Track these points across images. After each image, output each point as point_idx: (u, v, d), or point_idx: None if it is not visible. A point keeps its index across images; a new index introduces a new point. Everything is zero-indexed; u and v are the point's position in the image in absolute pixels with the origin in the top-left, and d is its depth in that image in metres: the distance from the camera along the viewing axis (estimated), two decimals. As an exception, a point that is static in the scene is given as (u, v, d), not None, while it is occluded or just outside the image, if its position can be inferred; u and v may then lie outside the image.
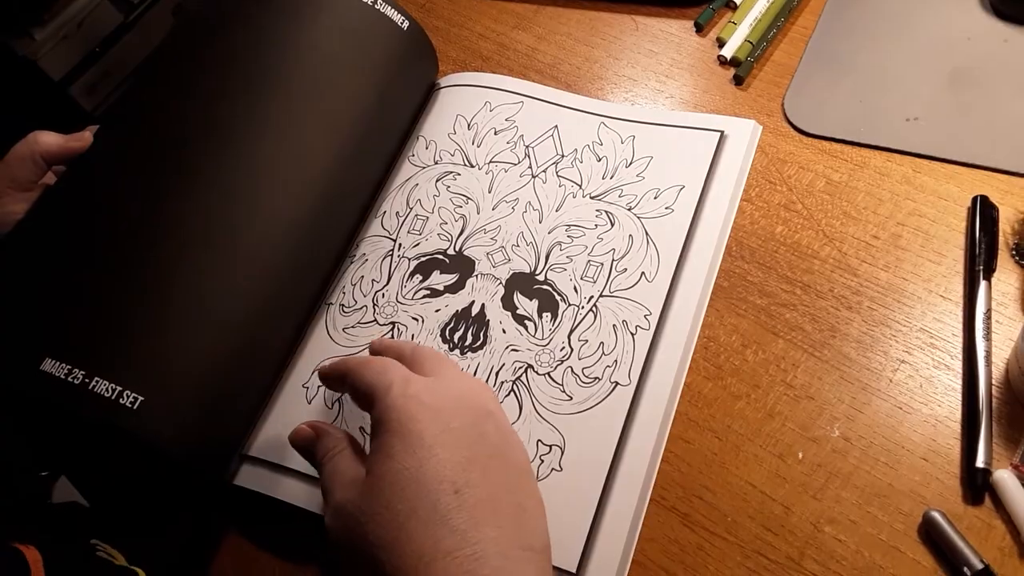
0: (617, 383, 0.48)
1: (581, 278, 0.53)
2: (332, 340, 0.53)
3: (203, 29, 0.57)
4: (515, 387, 0.49)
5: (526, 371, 0.50)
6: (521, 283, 0.53)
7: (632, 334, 0.50)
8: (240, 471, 0.49)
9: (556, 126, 0.60)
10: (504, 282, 0.53)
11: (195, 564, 0.49)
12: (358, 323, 0.54)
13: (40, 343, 0.44)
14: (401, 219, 0.58)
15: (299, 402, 0.51)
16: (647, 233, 0.53)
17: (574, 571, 0.43)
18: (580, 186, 0.57)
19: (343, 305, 0.55)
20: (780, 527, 0.44)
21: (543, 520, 0.39)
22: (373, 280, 0.55)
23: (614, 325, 0.50)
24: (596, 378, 0.49)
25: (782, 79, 0.60)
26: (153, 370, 0.44)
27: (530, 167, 0.58)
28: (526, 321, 0.52)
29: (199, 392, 0.45)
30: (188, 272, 0.47)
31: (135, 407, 0.42)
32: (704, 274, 0.51)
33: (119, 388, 0.42)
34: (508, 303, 0.52)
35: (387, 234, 0.57)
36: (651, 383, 0.48)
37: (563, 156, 0.58)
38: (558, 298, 0.52)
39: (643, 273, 0.52)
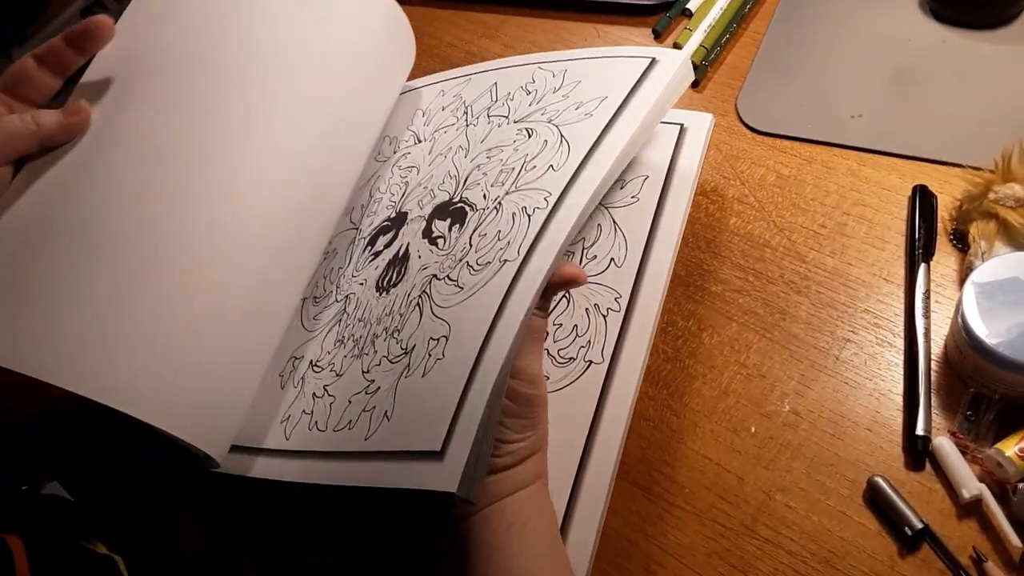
0: (591, 362, 0.50)
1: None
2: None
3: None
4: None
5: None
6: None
7: (604, 316, 0.52)
8: (227, 459, 0.51)
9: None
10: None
11: (171, 550, 0.51)
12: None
13: None
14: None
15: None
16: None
17: None
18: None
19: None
20: (735, 496, 0.47)
21: None
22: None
23: (586, 308, 0.53)
24: (571, 358, 0.51)
25: (735, 81, 0.64)
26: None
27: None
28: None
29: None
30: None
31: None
32: (669, 258, 0.52)
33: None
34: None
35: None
36: (623, 361, 0.50)
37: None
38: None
39: (612, 259, 0.54)
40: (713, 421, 0.49)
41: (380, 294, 0.53)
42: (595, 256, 0.54)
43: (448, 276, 0.50)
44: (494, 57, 0.70)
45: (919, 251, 0.52)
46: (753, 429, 0.48)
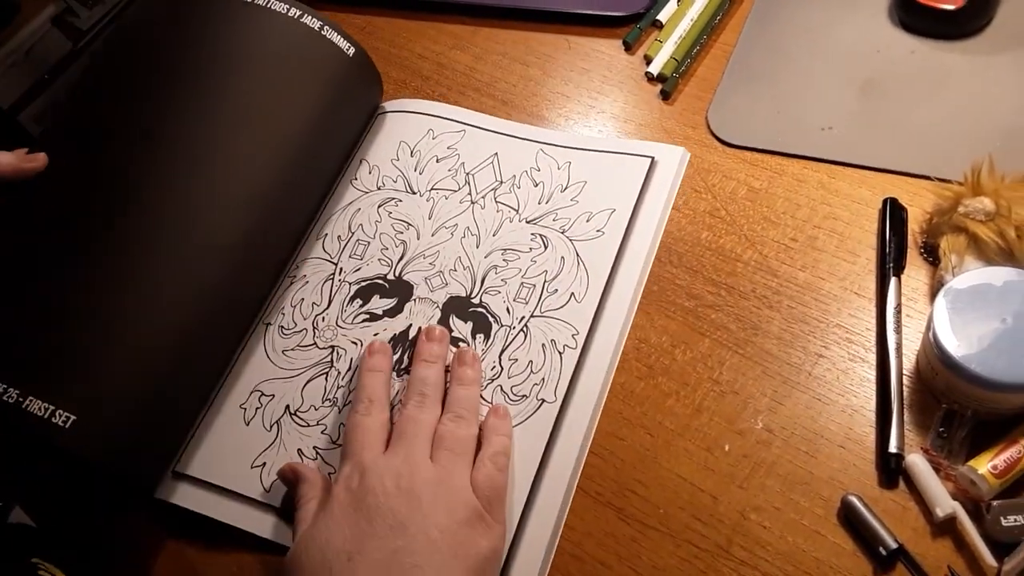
0: (544, 400, 0.50)
1: (514, 300, 0.54)
2: (271, 361, 0.54)
3: (141, 46, 0.57)
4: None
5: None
6: (457, 306, 0.55)
7: (560, 352, 0.52)
8: (178, 490, 0.50)
9: (496, 153, 0.62)
10: (441, 306, 0.55)
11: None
12: (297, 346, 0.55)
13: None
14: (343, 243, 0.59)
15: (237, 423, 0.52)
16: (578, 255, 0.55)
17: None
18: (517, 211, 0.58)
19: (282, 327, 0.56)
20: (709, 516, 0.46)
21: (443, 573, 0.40)
22: (313, 303, 0.56)
23: (543, 344, 0.52)
24: (524, 395, 0.51)
25: (705, 93, 0.63)
26: (86, 389, 0.45)
27: (470, 194, 0.60)
28: (460, 343, 0.53)
29: (132, 409, 0.46)
30: (122, 291, 0.48)
31: (67, 425, 0.43)
32: (631, 293, 0.53)
33: (52, 407, 0.43)
34: (444, 326, 0.54)
35: (328, 257, 0.58)
36: (576, 400, 0.50)
37: (502, 182, 0.60)
38: (491, 320, 0.54)
39: (572, 294, 0.54)
40: (687, 439, 0.49)
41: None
42: (556, 290, 0.54)
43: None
44: (465, 69, 0.70)
45: (890, 265, 0.52)
46: (727, 447, 0.48)
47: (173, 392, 0.48)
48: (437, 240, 0.58)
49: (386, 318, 0.55)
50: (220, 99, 0.54)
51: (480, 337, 0.53)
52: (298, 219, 0.58)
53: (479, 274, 0.56)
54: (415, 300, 0.55)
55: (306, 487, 0.46)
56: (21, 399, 0.43)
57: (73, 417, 0.43)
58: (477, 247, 0.57)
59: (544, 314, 0.53)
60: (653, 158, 0.58)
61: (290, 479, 0.48)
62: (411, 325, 0.54)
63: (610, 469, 0.48)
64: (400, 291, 0.56)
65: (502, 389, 0.51)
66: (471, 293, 0.55)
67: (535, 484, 0.47)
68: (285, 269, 0.58)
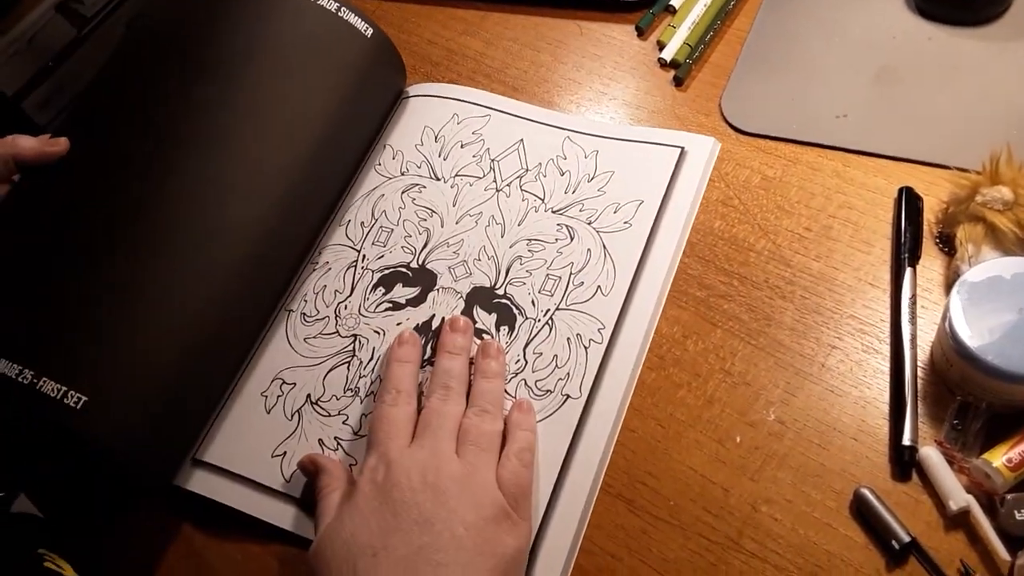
0: (568, 396, 0.50)
1: (539, 292, 0.53)
2: (293, 349, 0.54)
3: (162, 36, 0.57)
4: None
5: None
6: (481, 297, 0.54)
7: (585, 347, 0.51)
8: (194, 476, 0.50)
9: (522, 139, 0.61)
10: (465, 296, 0.54)
11: (143, 567, 0.49)
12: (320, 334, 0.54)
13: None
14: (366, 230, 0.58)
15: (257, 410, 0.52)
16: (605, 247, 0.54)
17: None
18: (543, 200, 0.57)
19: (304, 314, 0.55)
20: (720, 509, 0.46)
21: (469, 572, 0.40)
22: (336, 291, 0.56)
23: (568, 338, 0.52)
24: (548, 391, 0.50)
25: (719, 80, 0.63)
26: (99, 371, 0.45)
27: (494, 181, 0.59)
28: (484, 335, 0.52)
29: (146, 393, 0.46)
30: (140, 274, 0.48)
31: (79, 407, 0.43)
32: (659, 288, 0.53)
33: (64, 388, 0.43)
34: (468, 317, 0.53)
35: (351, 244, 0.58)
36: (601, 396, 0.49)
37: (527, 170, 0.59)
38: (516, 312, 0.53)
39: (599, 287, 0.53)
40: (698, 431, 0.48)
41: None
42: (582, 283, 0.53)
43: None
44: (475, 55, 0.69)
45: (905, 255, 0.51)
46: (738, 439, 0.48)
47: (191, 379, 0.48)
48: (461, 228, 0.57)
49: (409, 307, 0.54)
50: (239, 85, 0.54)
51: (504, 329, 0.52)
52: (321, 204, 0.58)
53: (504, 264, 0.55)
54: (438, 290, 0.55)
55: (327, 478, 0.46)
56: (35, 380, 0.43)
57: (85, 398, 0.43)
58: (502, 236, 0.56)
59: (570, 307, 0.52)
60: (683, 148, 0.57)
61: (310, 470, 0.48)
62: (434, 315, 0.54)
63: (621, 461, 0.48)
64: (423, 280, 0.55)
65: (526, 383, 0.50)
66: (495, 284, 0.54)
67: (559, 482, 0.47)
68: (308, 255, 0.57)
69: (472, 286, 0.54)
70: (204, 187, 0.51)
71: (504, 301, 0.53)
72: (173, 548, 0.50)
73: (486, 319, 0.53)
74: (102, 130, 0.53)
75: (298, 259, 0.57)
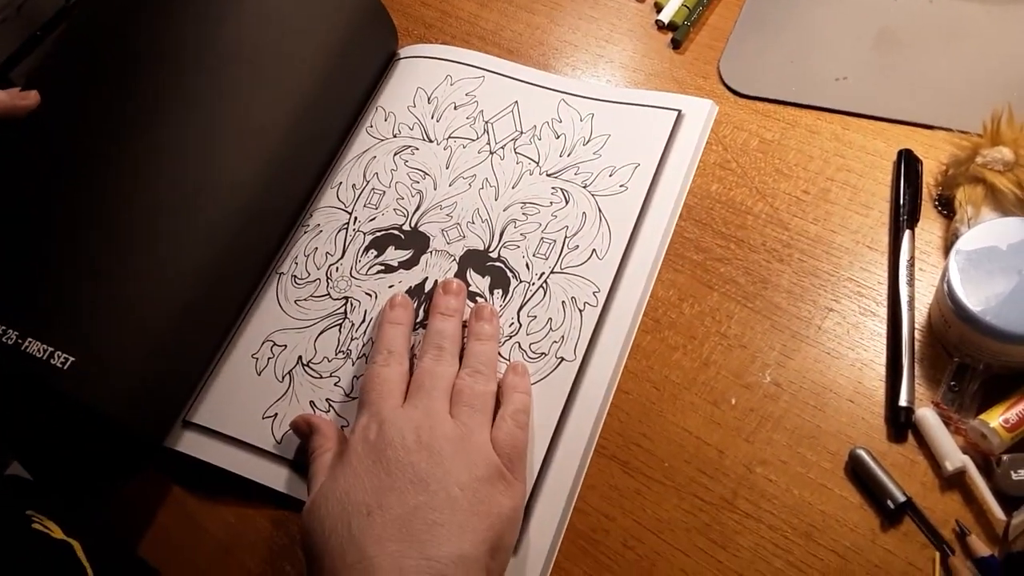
0: (563, 359, 0.49)
1: (533, 255, 0.53)
2: (283, 311, 0.53)
3: None
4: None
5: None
6: (474, 260, 0.53)
7: (580, 311, 0.50)
8: (184, 438, 0.49)
9: (516, 102, 0.60)
10: (458, 259, 0.53)
11: (135, 529, 0.49)
12: (311, 296, 0.54)
13: None
14: (357, 192, 0.57)
15: (248, 372, 0.51)
16: (600, 211, 0.54)
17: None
18: (537, 163, 0.57)
19: (295, 276, 0.55)
20: (715, 470, 0.45)
21: (465, 532, 0.39)
22: (327, 253, 0.55)
23: (563, 302, 0.51)
24: (543, 353, 0.50)
25: (717, 42, 0.62)
26: (86, 331, 0.44)
27: (488, 143, 0.58)
28: (477, 298, 0.52)
29: (135, 354, 0.45)
30: (127, 233, 0.47)
31: (65, 367, 0.43)
32: (654, 252, 0.52)
33: (51, 349, 0.43)
34: (461, 280, 0.52)
35: (342, 206, 0.57)
36: (596, 359, 0.49)
37: (522, 132, 0.58)
38: (510, 275, 0.52)
39: (594, 250, 0.52)
40: (693, 393, 0.48)
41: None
42: (577, 246, 0.53)
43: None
44: (469, 16, 0.68)
45: (903, 217, 0.50)
46: (734, 401, 0.47)
47: (180, 340, 0.48)
48: (454, 191, 0.56)
49: (401, 270, 0.54)
50: (226, 41, 0.53)
51: (498, 292, 0.52)
52: (311, 165, 0.57)
53: (497, 227, 0.54)
54: (431, 252, 0.54)
55: (320, 438, 0.46)
56: (20, 340, 0.43)
57: (72, 359, 0.43)
58: (496, 199, 0.55)
59: (564, 270, 0.52)
60: (680, 111, 0.57)
61: (304, 430, 0.47)
62: (427, 278, 0.53)
63: (615, 422, 0.48)
64: (416, 242, 0.55)
65: (520, 346, 0.50)
66: (489, 247, 0.54)
67: (552, 443, 0.47)
68: (299, 218, 0.57)
69: (465, 249, 0.54)
70: (190, 143, 0.50)
71: (498, 264, 0.53)
72: (166, 511, 0.50)
73: (480, 282, 0.52)
74: (78, 84, 0.52)
75: (289, 220, 0.56)
